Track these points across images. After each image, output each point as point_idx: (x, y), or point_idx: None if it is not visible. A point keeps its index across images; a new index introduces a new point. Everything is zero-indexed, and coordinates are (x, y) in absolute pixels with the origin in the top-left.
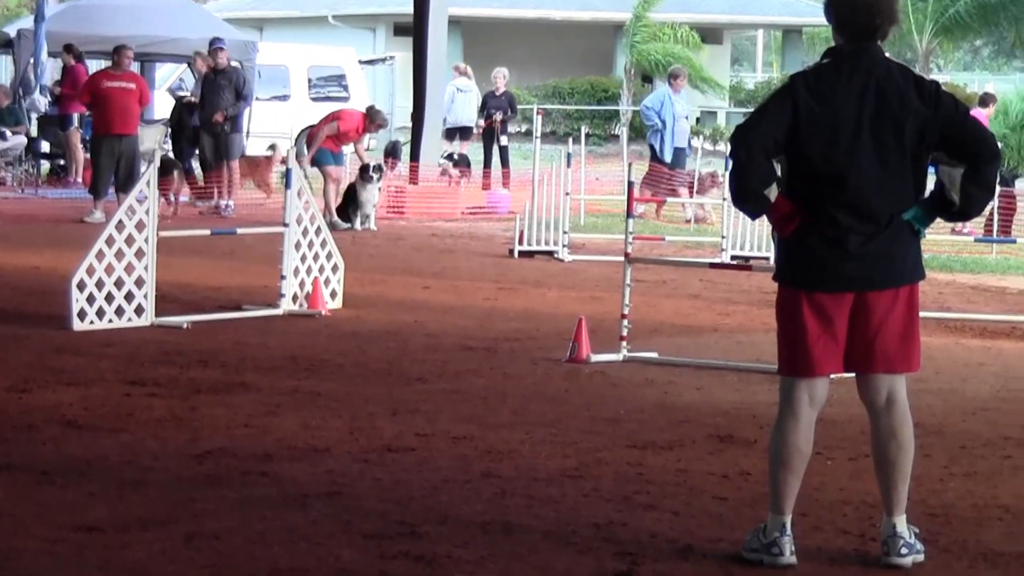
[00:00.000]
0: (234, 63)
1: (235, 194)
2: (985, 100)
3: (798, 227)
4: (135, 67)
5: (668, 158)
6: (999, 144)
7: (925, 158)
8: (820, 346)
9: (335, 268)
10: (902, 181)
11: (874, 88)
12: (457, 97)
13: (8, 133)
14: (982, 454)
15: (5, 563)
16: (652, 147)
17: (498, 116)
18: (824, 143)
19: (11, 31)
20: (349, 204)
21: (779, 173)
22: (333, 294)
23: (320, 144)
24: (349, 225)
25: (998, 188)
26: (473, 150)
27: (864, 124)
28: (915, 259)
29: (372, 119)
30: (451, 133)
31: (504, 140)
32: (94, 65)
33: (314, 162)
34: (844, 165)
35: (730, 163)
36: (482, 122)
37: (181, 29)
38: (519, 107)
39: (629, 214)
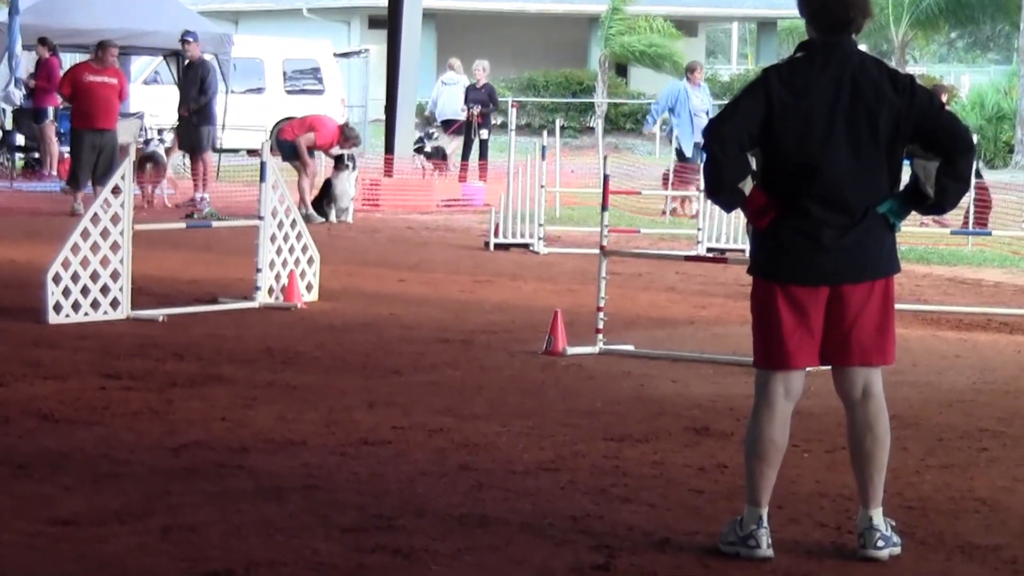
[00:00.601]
0: (206, 56)
1: (209, 186)
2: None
3: (773, 220)
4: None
5: (689, 153)
6: (974, 136)
7: (900, 151)
8: (795, 339)
9: (311, 261)
10: (876, 174)
11: (848, 81)
12: (443, 91)
13: None
14: (958, 446)
15: None
16: (677, 149)
17: (476, 109)
18: (798, 136)
19: None
20: (324, 197)
21: (754, 166)
22: (309, 287)
23: (287, 129)
24: (324, 219)
25: (973, 180)
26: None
27: (838, 117)
28: (890, 252)
29: (346, 137)
30: (445, 125)
31: (484, 133)
32: (68, 58)
33: (288, 156)
34: (818, 158)
35: (704, 156)
36: (463, 115)
37: (156, 22)
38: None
39: (604, 207)
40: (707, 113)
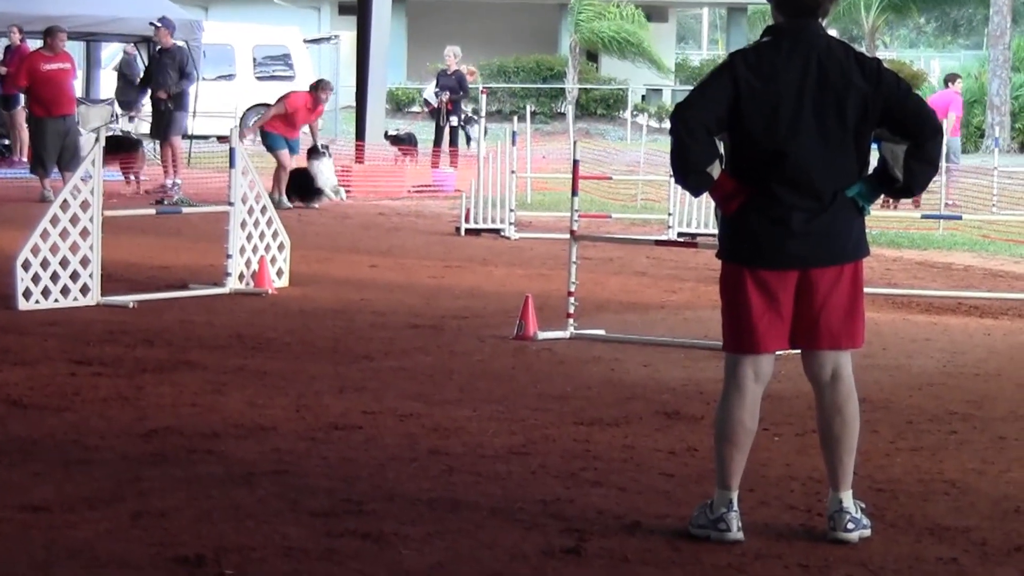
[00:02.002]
0: (179, 42)
1: (180, 172)
2: (952, 78)
3: (741, 204)
4: (81, 48)
5: None
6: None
7: (867, 135)
8: (765, 323)
9: (281, 247)
10: (845, 158)
11: (815, 65)
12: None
13: None
14: (928, 429)
15: None
16: None
17: (445, 96)
18: (765, 120)
19: None
20: (297, 186)
21: (722, 151)
22: (279, 273)
23: (267, 121)
24: (291, 205)
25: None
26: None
27: (806, 101)
28: (859, 236)
29: (318, 87)
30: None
31: (454, 120)
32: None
33: (268, 147)
34: (786, 142)
35: (671, 141)
36: (433, 100)
37: (126, 8)
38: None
39: (574, 192)
40: None
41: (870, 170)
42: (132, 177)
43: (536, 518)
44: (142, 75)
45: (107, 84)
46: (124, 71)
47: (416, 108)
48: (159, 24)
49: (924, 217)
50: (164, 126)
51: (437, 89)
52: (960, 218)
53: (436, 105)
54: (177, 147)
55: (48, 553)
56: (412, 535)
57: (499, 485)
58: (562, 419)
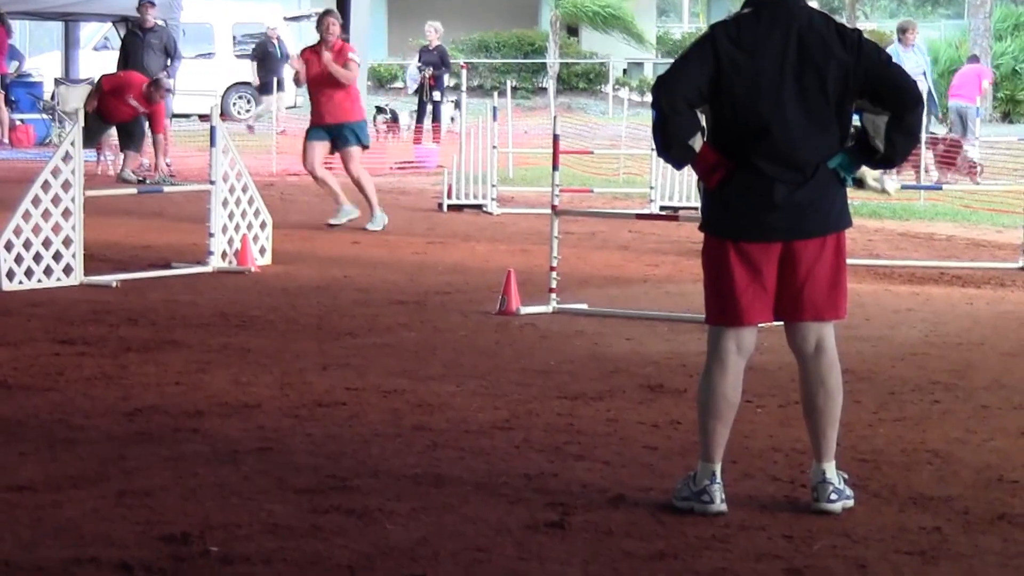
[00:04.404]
0: (159, 21)
1: (168, 152)
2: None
3: (723, 177)
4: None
5: None
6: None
7: (849, 106)
8: (748, 295)
9: (263, 224)
10: (826, 129)
11: (795, 37)
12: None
13: None
14: (911, 399)
15: None
16: None
17: (429, 71)
18: (747, 92)
19: None
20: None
21: (704, 124)
22: (262, 250)
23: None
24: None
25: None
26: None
27: (787, 73)
28: (842, 207)
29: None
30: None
31: (436, 95)
32: (17, 26)
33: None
34: (768, 114)
35: (653, 114)
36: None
37: None
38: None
39: (555, 166)
40: (924, 75)
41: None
42: (102, 158)
43: (520, 492)
44: (119, 55)
45: (86, 64)
46: (261, 55)
47: (399, 84)
48: (150, 2)
49: (905, 187)
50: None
51: (420, 64)
52: (941, 188)
53: (419, 81)
54: (167, 128)
55: (33, 532)
56: (397, 511)
57: (483, 460)
58: (546, 393)
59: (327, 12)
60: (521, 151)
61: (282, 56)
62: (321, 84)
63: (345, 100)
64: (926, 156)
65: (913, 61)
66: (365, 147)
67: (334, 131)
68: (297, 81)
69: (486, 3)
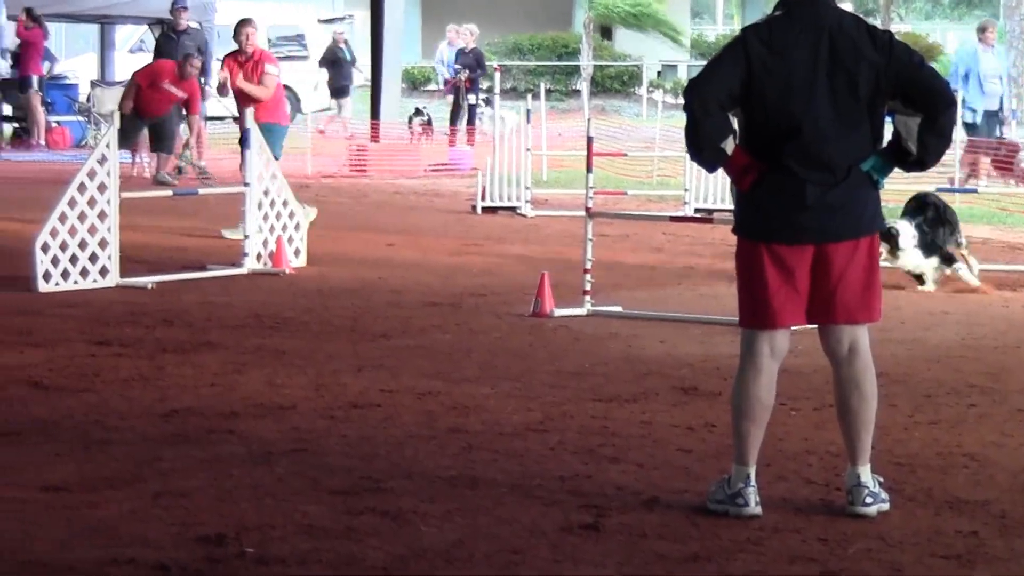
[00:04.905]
0: (192, 23)
1: (203, 154)
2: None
3: (756, 179)
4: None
5: (978, 120)
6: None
7: (880, 108)
8: (781, 298)
9: (298, 226)
10: (858, 131)
11: (827, 39)
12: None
13: None
14: (946, 402)
15: None
16: (965, 121)
17: (464, 74)
18: (779, 95)
19: None
20: None
21: (736, 126)
22: (296, 252)
23: None
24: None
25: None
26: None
27: (818, 75)
28: (875, 209)
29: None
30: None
31: (472, 98)
32: (53, 28)
33: None
34: (799, 116)
35: (686, 117)
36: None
37: None
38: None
39: (589, 168)
40: (1000, 78)
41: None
42: (137, 160)
43: (555, 495)
44: (153, 57)
45: (121, 66)
46: (331, 59)
47: (433, 86)
48: (183, 6)
49: (940, 190)
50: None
51: (457, 66)
52: (976, 191)
53: (453, 80)
54: (202, 129)
55: (69, 533)
56: (431, 512)
57: (517, 462)
58: (580, 396)
59: (244, 21)
60: (555, 153)
61: (351, 59)
62: (243, 93)
63: (265, 106)
64: (983, 161)
65: (993, 62)
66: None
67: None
68: (221, 90)
69: (519, 5)
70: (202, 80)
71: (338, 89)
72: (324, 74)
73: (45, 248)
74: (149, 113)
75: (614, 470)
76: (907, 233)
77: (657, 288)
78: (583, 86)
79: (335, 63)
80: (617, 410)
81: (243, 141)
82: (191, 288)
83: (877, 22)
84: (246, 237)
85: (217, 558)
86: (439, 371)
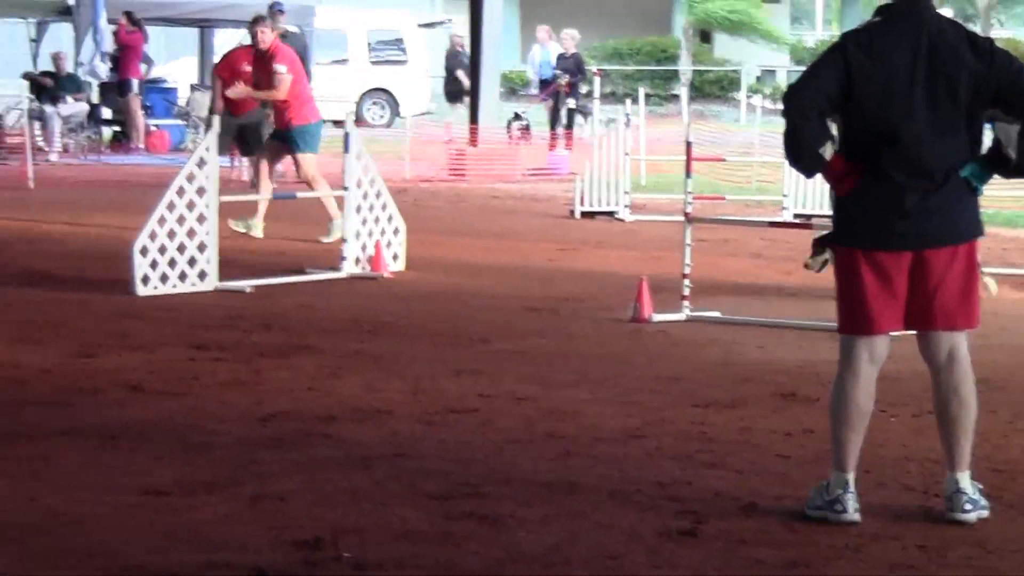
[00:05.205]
0: (291, 28)
1: None
2: None
3: (854, 186)
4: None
5: None
6: None
7: (980, 114)
8: (879, 304)
9: (396, 231)
10: (957, 138)
11: (926, 45)
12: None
13: (69, 100)
14: None
15: (73, 526)
16: None
17: (565, 79)
18: (877, 101)
19: None
20: None
21: (834, 132)
22: (395, 256)
23: None
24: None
25: None
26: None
27: (917, 81)
28: (973, 216)
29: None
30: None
31: (572, 103)
32: (153, 32)
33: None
34: (898, 123)
35: (784, 123)
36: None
37: None
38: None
39: (688, 173)
40: None
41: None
42: (236, 163)
43: (652, 500)
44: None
45: None
46: (454, 63)
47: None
48: (281, 9)
49: None
50: None
51: (556, 71)
52: None
53: (554, 85)
54: None
55: (167, 536)
56: (529, 517)
57: (615, 467)
58: (678, 401)
59: (255, 19)
60: (654, 158)
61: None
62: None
63: (285, 107)
64: None
65: None
66: (313, 152)
67: (283, 136)
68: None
69: (619, 10)
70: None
71: (455, 93)
72: (426, 78)
73: (144, 252)
74: (239, 109)
75: (712, 476)
76: None
77: (755, 294)
78: (682, 91)
79: (456, 67)
80: (715, 415)
81: (287, 142)
82: (289, 292)
83: (977, 28)
84: (344, 240)
85: (314, 562)
86: (537, 376)
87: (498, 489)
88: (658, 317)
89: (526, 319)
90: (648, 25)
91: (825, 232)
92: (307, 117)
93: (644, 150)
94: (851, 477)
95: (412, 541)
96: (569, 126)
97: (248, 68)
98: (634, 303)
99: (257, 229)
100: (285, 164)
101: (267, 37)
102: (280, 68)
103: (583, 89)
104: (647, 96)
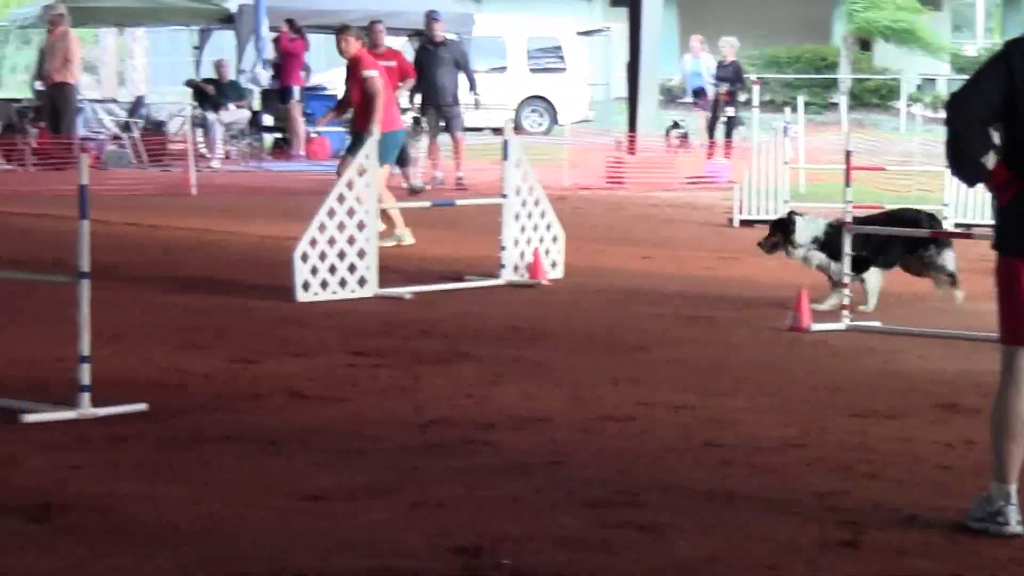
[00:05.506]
0: (450, 36)
1: (463, 166)
2: None
3: (1016, 195)
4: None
5: None
6: None
7: None
8: None
9: (555, 238)
10: None
11: None
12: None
13: (231, 107)
14: None
15: (234, 530)
16: None
17: (724, 87)
18: None
19: (232, 6)
20: None
21: (996, 141)
22: (553, 264)
23: None
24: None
25: None
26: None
27: None
28: None
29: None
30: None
31: (731, 111)
32: (314, 40)
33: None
34: None
35: (946, 132)
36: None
37: (400, 2)
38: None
39: (847, 182)
40: None
41: None
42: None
43: (811, 510)
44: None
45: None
46: None
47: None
48: (437, 17)
49: None
50: (448, 121)
51: (714, 81)
52: None
53: (712, 96)
54: (461, 141)
55: (328, 542)
56: (687, 526)
57: (774, 477)
58: (837, 411)
59: (343, 28)
60: (813, 167)
61: None
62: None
63: (363, 111)
64: None
65: None
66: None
67: (357, 137)
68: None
69: (778, 18)
70: (474, 93)
71: None
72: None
73: (304, 258)
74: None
75: (872, 486)
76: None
77: (916, 303)
78: (841, 99)
79: None
80: (875, 426)
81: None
82: (448, 299)
83: None
84: (396, 245)
85: (473, 569)
86: (695, 384)
87: (656, 498)
88: (817, 327)
89: (684, 327)
90: (807, 33)
91: (780, 217)
92: (393, 125)
93: (803, 158)
94: (1013, 489)
95: (571, 549)
96: (728, 134)
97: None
98: (793, 312)
99: (406, 236)
100: (445, 171)
101: (351, 47)
102: (370, 73)
103: (741, 97)
104: (806, 104)
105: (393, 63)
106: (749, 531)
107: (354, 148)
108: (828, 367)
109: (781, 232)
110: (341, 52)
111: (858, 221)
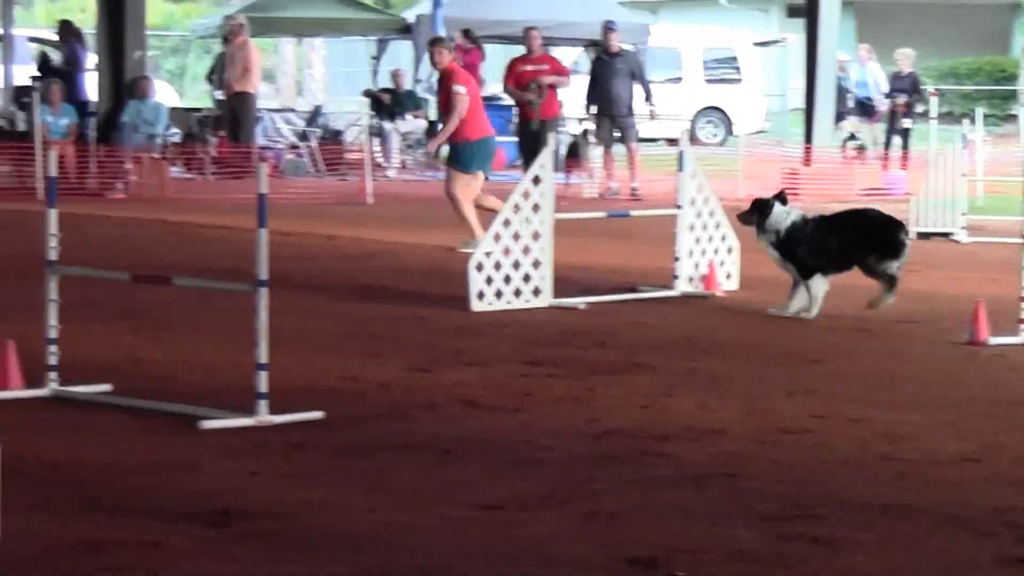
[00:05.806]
0: (626, 46)
1: (637, 176)
2: None
3: None
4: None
5: None
6: None
7: None
8: None
9: (730, 249)
10: None
11: None
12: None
13: (408, 116)
14: None
15: (409, 539)
16: None
17: (901, 99)
18: None
19: (410, 16)
20: None
21: None
22: (728, 275)
23: None
24: None
25: None
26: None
27: None
28: None
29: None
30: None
31: (907, 122)
32: (491, 50)
33: None
34: None
35: None
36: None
37: (576, 12)
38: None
39: None
40: None
41: None
42: (571, 179)
43: (989, 526)
44: (588, 80)
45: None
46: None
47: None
48: (613, 28)
49: None
50: (623, 131)
51: (885, 92)
52: None
53: (890, 108)
54: (635, 152)
55: (502, 551)
56: (865, 540)
57: (951, 492)
58: (1015, 426)
59: (431, 41)
60: (991, 179)
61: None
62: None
63: (465, 123)
64: None
65: None
66: (463, 171)
67: (453, 148)
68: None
69: (956, 30)
70: (650, 104)
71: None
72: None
73: (479, 268)
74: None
75: None
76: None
77: None
78: (1020, 111)
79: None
80: None
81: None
82: (623, 309)
83: None
84: (472, 252)
85: None
86: (871, 398)
87: (833, 511)
88: (995, 340)
89: (860, 340)
90: (986, 44)
91: (763, 198)
92: (466, 134)
93: (981, 170)
94: None
95: (746, 562)
96: (905, 146)
97: (528, 68)
98: (970, 325)
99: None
100: (620, 182)
101: (444, 58)
102: (459, 88)
103: (919, 109)
104: (984, 116)
105: (545, 66)
106: (926, 546)
107: (453, 159)
108: (1006, 381)
109: (758, 213)
110: (434, 64)
111: (825, 220)
